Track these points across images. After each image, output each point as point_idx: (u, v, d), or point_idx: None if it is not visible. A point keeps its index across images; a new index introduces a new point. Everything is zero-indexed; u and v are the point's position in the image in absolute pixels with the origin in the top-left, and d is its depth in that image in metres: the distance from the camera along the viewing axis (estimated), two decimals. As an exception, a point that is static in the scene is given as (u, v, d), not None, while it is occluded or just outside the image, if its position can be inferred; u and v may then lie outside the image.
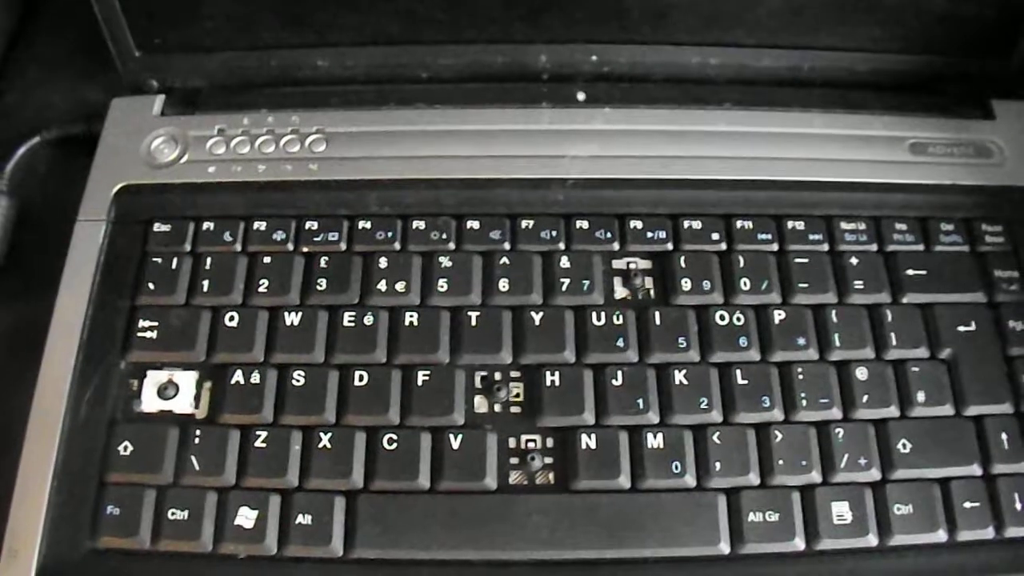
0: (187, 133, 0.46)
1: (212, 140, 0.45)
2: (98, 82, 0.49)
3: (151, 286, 0.42)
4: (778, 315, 0.41)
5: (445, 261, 0.42)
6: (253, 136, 0.45)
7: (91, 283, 0.42)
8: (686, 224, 0.43)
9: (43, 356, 0.41)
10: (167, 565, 0.38)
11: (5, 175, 0.47)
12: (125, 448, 0.39)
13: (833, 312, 0.42)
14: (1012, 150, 0.46)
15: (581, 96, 0.46)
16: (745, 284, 0.42)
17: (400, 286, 0.42)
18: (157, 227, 0.44)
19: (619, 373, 0.40)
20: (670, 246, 0.43)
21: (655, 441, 0.39)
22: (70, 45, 0.52)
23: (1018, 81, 0.47)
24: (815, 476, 0.39)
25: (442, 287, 0.42)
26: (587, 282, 0.42)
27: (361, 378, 0.40)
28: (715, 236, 0.43)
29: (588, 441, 0.39)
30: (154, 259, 0.43)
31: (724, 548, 0.38)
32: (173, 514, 0.38)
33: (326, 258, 0.42)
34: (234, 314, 0.41)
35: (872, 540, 0.38)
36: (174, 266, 0.42)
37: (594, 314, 0.41)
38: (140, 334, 0.41)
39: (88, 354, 0.41)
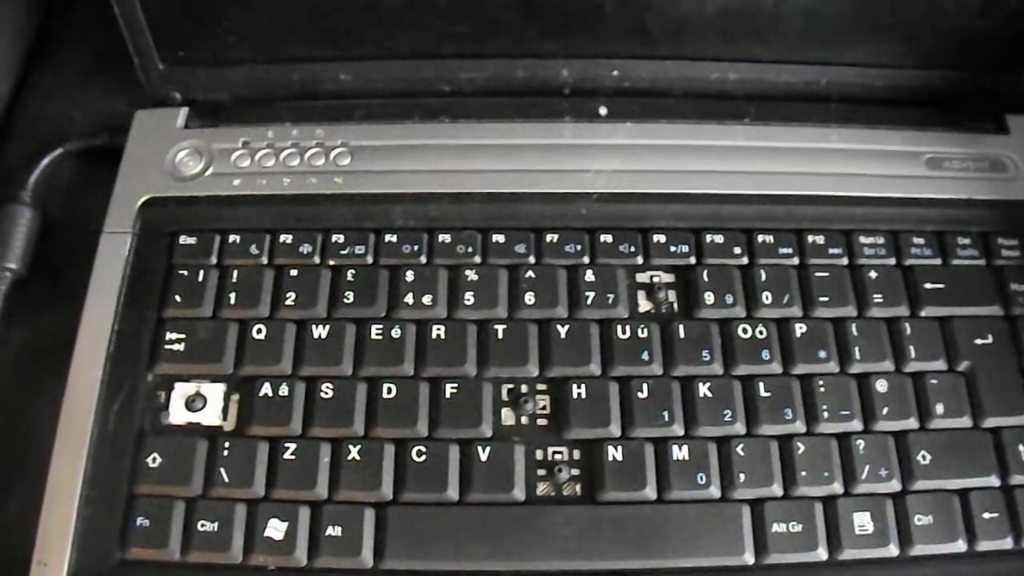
0: (211, 146, 0.46)
1: (237, 153, 0.46)
2: (120, 95, 0.49)
3: (178, 298, 0.42)
4: (799, 328, 0.42)
5: (471, 275, 0.43)
6: (278, 149, 0.46)
7: (117, 295, 0.42)
8: (708, 238, 0.44)
9: (70, 368, 0.41)
10: (197, 576, 0.38)
11: (28, 187, 0.47)
12: (154, 460, 0.39)
13: (853, 325, 0.42)
14: (1026, 164, 0.47)
15: (603, 111, 0.47)
16: (767, 298, 0.43)
17: (427, 299, 0.42)
18: (183, 240, 0.44)
19: (644, 386, 0.40)
20: (693, 260, 0.44)
21: (680, 453, 0.39)
22: (92, 57, 0.52)
23: (1032, 96, 0.48)
24: (837, 487, 0.39)
25: (468, 300, 0.42)
26: (612, 296, 0.42)
27: (389, 391, 0.40)
28: (737, 250, 0.44)
29: (614, 453, 0.39)
30: (180, 271, 0.43)
31: (748, 558, 0.38)
32: (203, 526, 0.38)
33: (353, 271, 0.43)
34: (261, 327, 0.42)
35: (893, 550, 0.39)
36: (200, 279, 0.43)
37: (619, 327, 0.42)
38: (167, 346, 0.41)
39: (115, 366, 0.41)
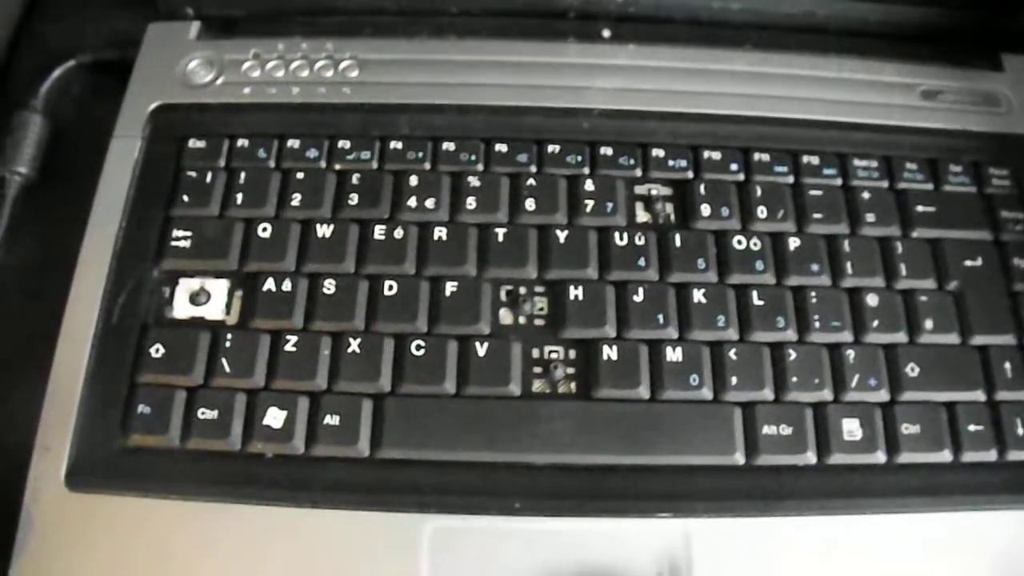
0: (223, 56, 0.47)
1: (247, 63, 0.47)
2: (133, 11, 0.49)
3: (185, 198, 0.43)
4: (793, 242, 0.43)
5: (474, 181, 0.43)
6: (288, 60, 0.47)
7: (126, 195, 0.43)
8: (706, 155, 0.45)
9: (78, 263, 0.42)
10: (195, 463, 0.39)
11: (40, 95, 0.48)
12: (157, 350, 0.40)
13: (846, 242, 0.43)
14: (1020, 101, 0.48)
15: (607, 33, 0.48)
16: (762, 212, 0.43)
17: (430, 203, 0.43)
18: (192, 143, 0.44)
19: (640, 290, 0.41)
20: (690, 174, 0.44)
21: (674, 355, 0.40)
22: (106, -27, 0.53)
23: (1026, 37, 0.49)
24: (827, 394, 0.40)
25: (470, 205, 0.43)
26: (610, 204, 0.43)
27: (391, 288, 0.41)
28: (734, 167, 0.45)
29: (609, 352, 0.40)
30: (189, 173, 0.44)
31: (739, 459, 0.39)
32: (203, 414, 0.39)
33: (358, 175, 0.43)
34: (267, 225, 0.42)
35: (881, 457, 0.39)
36: (208, 180, 0.43)
37: (616, 235, 0.42)
38: (174, 243, 0.42)
39: (122, 262, 0.42)
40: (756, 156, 0.45)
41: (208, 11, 0.48)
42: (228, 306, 0.41)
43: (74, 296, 0.41)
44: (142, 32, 0.48)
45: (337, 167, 0.44)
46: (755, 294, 0.42)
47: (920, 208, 0.44)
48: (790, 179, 0.45)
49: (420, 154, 0.44)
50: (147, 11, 0.49)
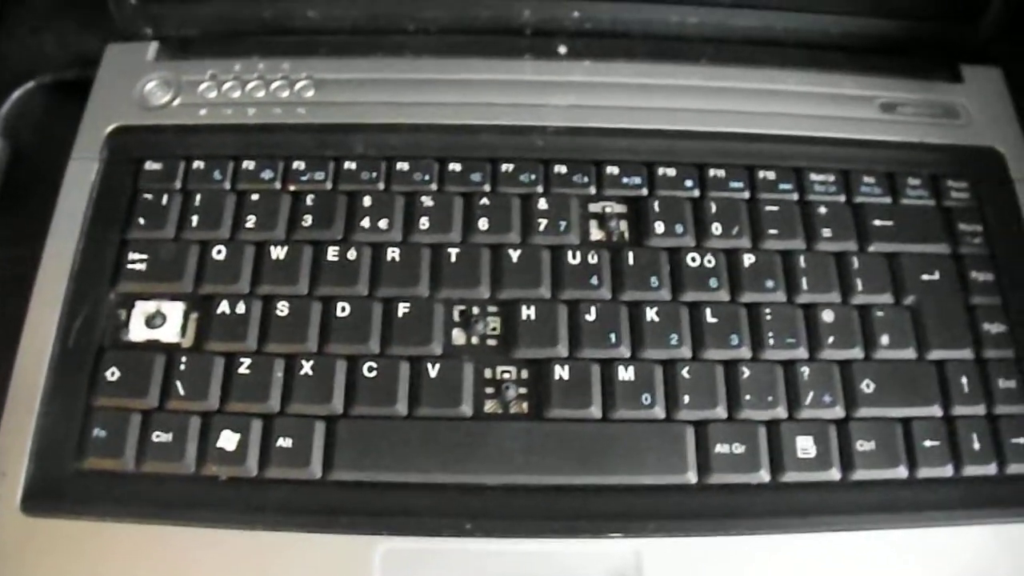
0: (180, 78, 0.47)
1: (204, 85, 0.47)
2: (92, 31, 0.50)
3: (141, 221, 0.43)
4: (748, 259, 0.43)
5: (427, 201, 0.43)
6: (244, 81, 0.47)
7: (83, 218, 0.43)
8: (660, 171, 0.45)
9: (34, 285, 0.42)
10: (151, 486, 0.39)
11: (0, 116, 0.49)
12: (112, 374, 0.40)
13: (801, 257, 0.43)
14: (979, 112, 0.48)
15: (563, 49, 0.48)
16: (717, 229, 0.43)
17: (383, 223, 0.43)
18: (148, 165, 0.45)
19: (592, 309, 0.41)
20: (645, 191, 0.44)
21: (626, 374, 0.40)
22: (65, -7, 0.53)
23: (986, 47, 0.49)
24: (781, 412, 0.40)
25: (424, 225, 0.43)
26: (564, 223, 0.43)
27: (343, 309, 0.41)
28: (688, 183, 0.44)
29: (561, 372, 0.40)
30: (145, 195, 0.44)
31: (691, 477, 0.39)
32: (158, 437, 0.39)
33: (312, 196, 0.43)
34: (221, 248, 0.42)
35: (835, 474, 0.39)
36: (164, 202, 0.43)
37: (570, 253, 0.42)
38: (130, 266, 0.42)
39: (79, 284, 0.42)
40: (711, 172, 0.45)
41: (166, 31, 0.48)
42: (184, 329, 0.41)
43: (31, 319, 0.41)
44: (101, 52, 0.48)
45: (292, 188, 0.44)
46: (709, 311, 0.41)
47: (877, 222, 0.44)
48: (745, 195, 0.44)
49: (374, 174, 0.44)
50: (106, 32, 0.49)
